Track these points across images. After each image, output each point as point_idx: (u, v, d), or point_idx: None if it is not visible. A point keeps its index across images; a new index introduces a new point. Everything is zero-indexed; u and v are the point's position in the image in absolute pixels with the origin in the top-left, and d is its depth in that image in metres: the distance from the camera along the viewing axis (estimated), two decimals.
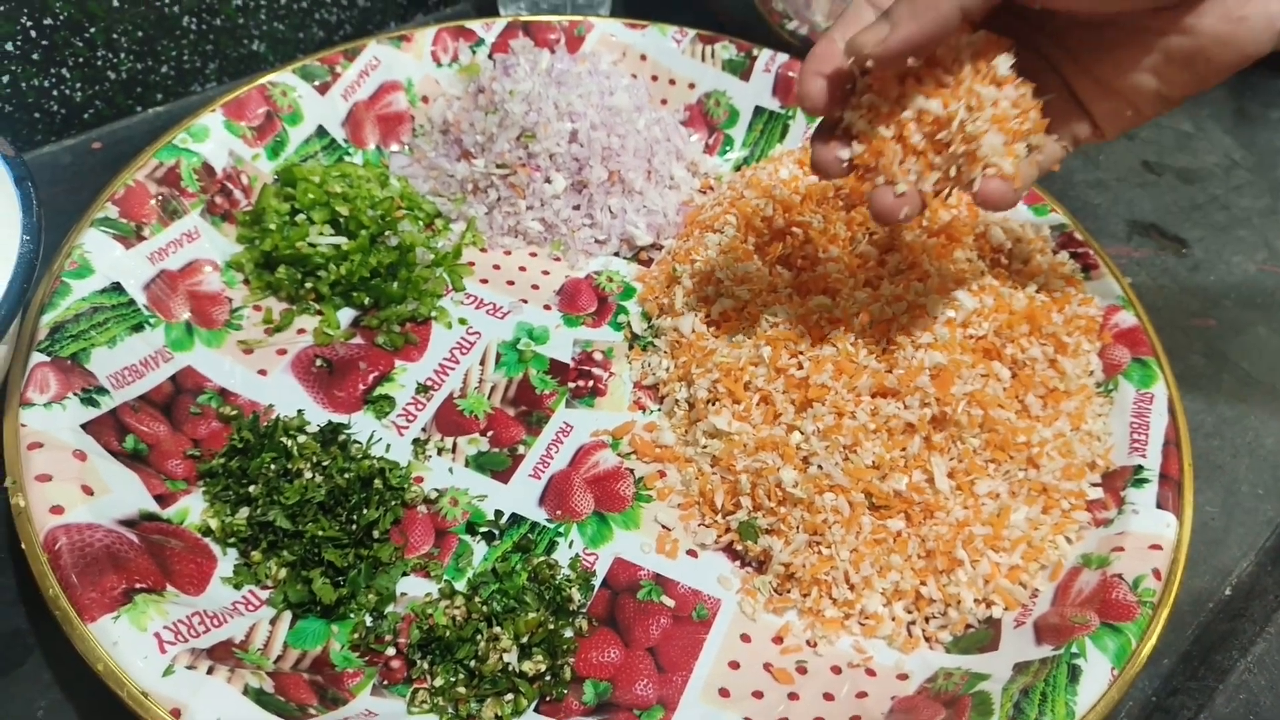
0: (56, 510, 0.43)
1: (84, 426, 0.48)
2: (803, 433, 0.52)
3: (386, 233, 0.63)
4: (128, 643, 0.40)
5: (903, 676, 0.48)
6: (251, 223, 0.62)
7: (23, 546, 0.43)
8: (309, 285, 0.61)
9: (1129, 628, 0.45)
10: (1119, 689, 0.44)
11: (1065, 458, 0.53)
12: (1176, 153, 0.87)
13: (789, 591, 0.51)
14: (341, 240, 0.61)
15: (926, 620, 0.50)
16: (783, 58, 0.76)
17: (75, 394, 0.49)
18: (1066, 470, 0.52)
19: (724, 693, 0.47)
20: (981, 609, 0.50)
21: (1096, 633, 0.45)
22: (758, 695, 0.47)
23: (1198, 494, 0.53)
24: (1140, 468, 0.53)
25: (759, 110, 0.77)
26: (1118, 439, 0.55)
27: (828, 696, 0.47)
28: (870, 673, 0.48)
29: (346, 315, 0.62)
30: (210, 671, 0.40)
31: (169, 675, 0.39)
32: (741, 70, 0.77)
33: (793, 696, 0.47)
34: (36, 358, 0.49)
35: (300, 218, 0.61)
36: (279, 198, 0.63)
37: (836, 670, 0.48)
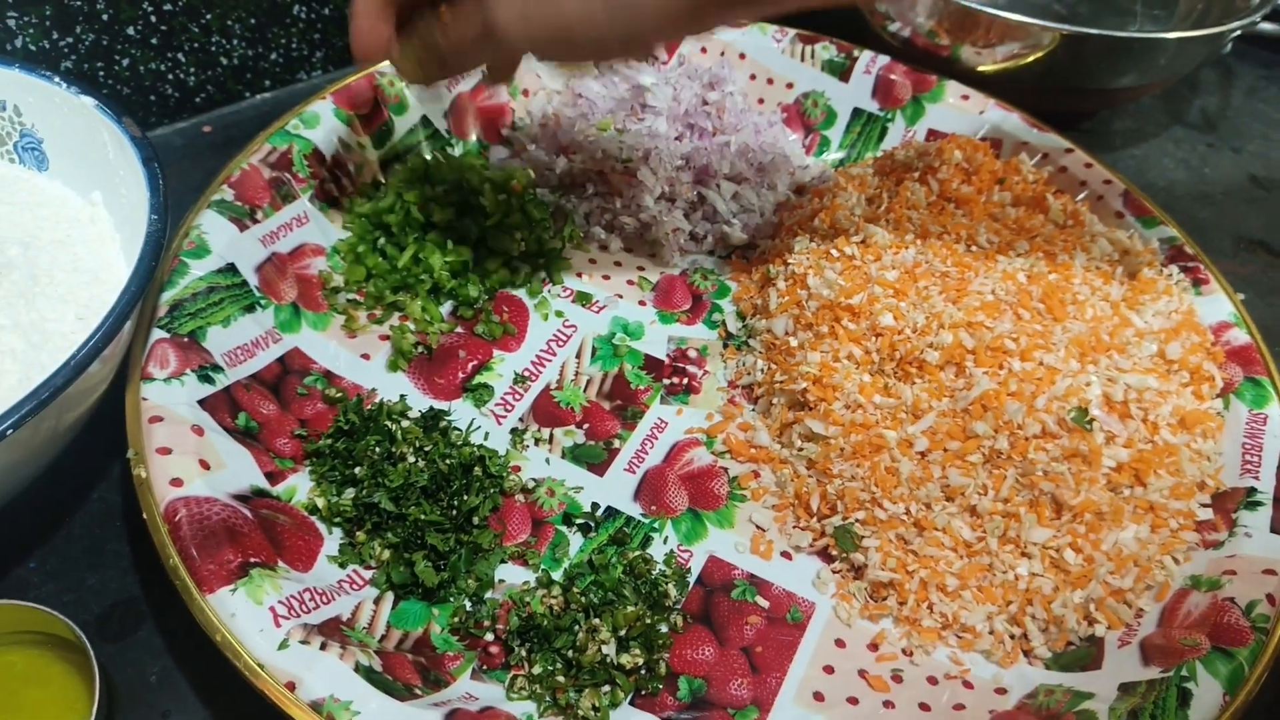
0: (176, 483, 0.45)
1: (200, 402, 0.49)
2: (907, 441, 0.51)
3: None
4: (245, 615, 0.41)
5: (1001, 691, 0.47)
6: (370, 213, 0.63)
7: (144, 517, 0.44)
8: (414, 272, 0.61)
9: (1241, 653, 0.44)
10: (1231, 715, 0.42)
11: (1174, 476, 0.51)
12: None
13: (885, 598, 0.50)
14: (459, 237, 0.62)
15: (1025, 635, 0.49)
16: (884, 59, 0.75)
17: (193, 370, 0.50)
18: (1175, 489, 0.51)
19: (818, 697, 0.47)
20: (1084, 626, 0.49)
21: (1207, 656, 0.44)
22: (852, 701, 0.47)
23: None
24: (1254, 490, 0.51)
25: (858, 112, 0.76)
26: (1229, 459, 0.54)
27: (924, 707, 0.47)
28: (968, 685, 0.48)
29: (446, 305, 0.62)
30: (323, 647, 0.41)
31: (284, 649, 0.40)
32: (841, 71, 0.76)
33: (888, 705, 0.46)
34: (157, 334, 0.50)
35: (415, 208, 0.62)
36: (402, 185, 0.63)
37: (933, 681, 0.48)
